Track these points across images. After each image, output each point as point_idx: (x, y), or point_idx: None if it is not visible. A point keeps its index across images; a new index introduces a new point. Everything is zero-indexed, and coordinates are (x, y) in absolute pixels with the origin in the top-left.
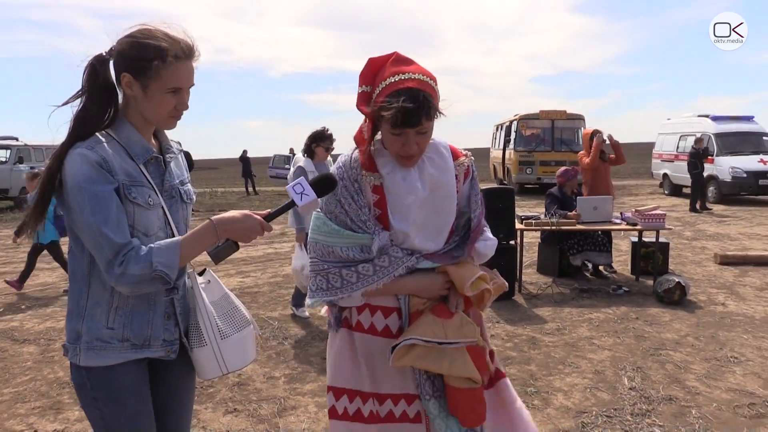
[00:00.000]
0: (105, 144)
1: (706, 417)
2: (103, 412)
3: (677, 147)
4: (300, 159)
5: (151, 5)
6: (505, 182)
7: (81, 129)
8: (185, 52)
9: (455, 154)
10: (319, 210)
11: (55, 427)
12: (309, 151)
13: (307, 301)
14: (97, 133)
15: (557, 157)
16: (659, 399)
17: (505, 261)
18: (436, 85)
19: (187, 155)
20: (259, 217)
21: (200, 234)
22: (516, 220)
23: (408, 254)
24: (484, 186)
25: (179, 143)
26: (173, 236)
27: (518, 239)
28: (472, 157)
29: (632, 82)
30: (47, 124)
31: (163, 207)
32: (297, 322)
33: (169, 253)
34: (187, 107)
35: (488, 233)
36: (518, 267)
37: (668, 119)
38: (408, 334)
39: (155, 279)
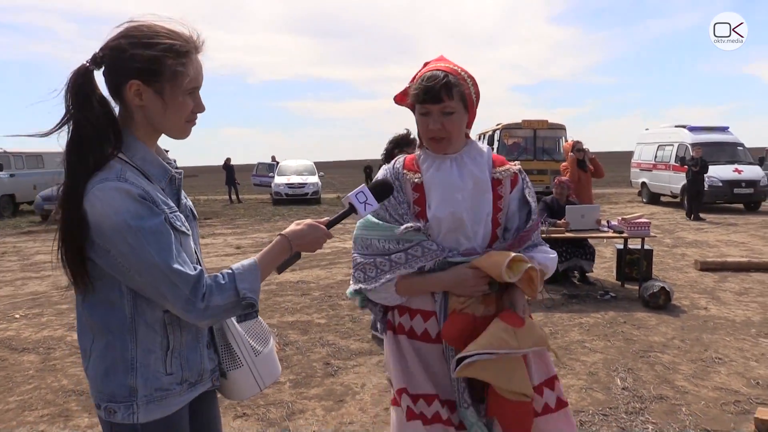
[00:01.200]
0: (128, 171)
1: (696, 414)
2: None
3: (655, 156)
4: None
5: (124, 9)
6: None
7: (85, 156)
8: (196, 47)
9: (500, 161)
10: None
11: None
12: (391, 157)
13: (347, 291)
14: (112, 161)
15: (539, 166)
16: (651, 398)
17: None
18: (469, 77)
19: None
20: (323, 226)
21: (276, 250)
22: None
23: (442, 249)
24: None
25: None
26: (199, 259)
27: None
28: (521, 168)
29: (609, 92)
30: (25, 139)
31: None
32: (296, 329)
33: (251, 277)
34: (203, 109)
35: (547, 248)
36: None
37: (646, 129)
38: (479, 347)
39: (239, 307)
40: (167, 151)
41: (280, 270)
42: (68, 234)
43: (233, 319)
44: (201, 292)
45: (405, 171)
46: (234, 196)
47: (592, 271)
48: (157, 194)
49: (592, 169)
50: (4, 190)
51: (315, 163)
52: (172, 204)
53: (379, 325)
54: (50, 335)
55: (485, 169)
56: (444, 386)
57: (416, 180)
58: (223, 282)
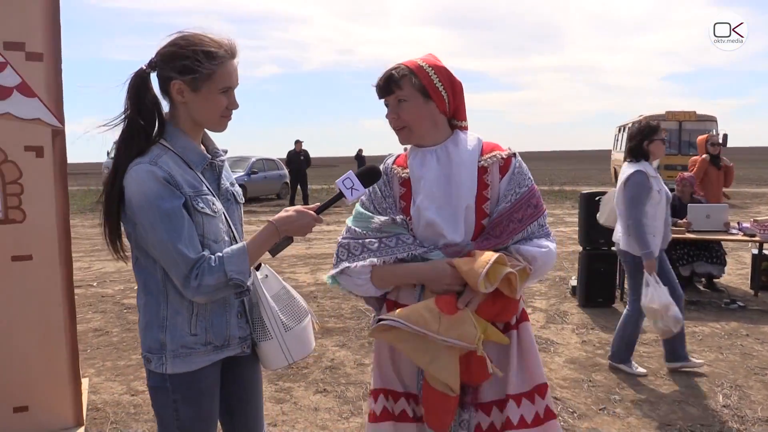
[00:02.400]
0: (165, 156)
1: None
2: (180, 413)
3: None
4: (626, 166)
5: (274, 7)
6: None
7: (133, 144)
8: (230, 52)
9: (490, 148)
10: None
11: None
12: (640, 151)
13: (325, 277)
14: (154, 146)
15: (684, 161)
16: (754, 420)
17: (605, 267)
18: (432, 67)
19: (305, 153)
20: (311, 212)
21: (264, 236)
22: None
23: (419, 244)
24: (600, 189)
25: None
26: (235, 239)
27: None
28: (515, 153)
29: None
30: (93, 143)
31: (224, 212)
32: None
33: (239, 260)
34: (237, 106)
35: (547, 241)
36: (619, 275)
37: None
38: (398, 315)
39: (230, 286)
40: (220, 150)
41: (274, 253)
42: (108, 205)
43: (268, 295)
44: (195, 272)
45: (394, 166)
46: None
47: (720, 277)
48: (188, 178)
49: (727, 166)
50: None
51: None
52: (205, 188)
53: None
54: None
55: (470, 159)
56: (415, 382)
57: (403, 175)
58: (213, 265)
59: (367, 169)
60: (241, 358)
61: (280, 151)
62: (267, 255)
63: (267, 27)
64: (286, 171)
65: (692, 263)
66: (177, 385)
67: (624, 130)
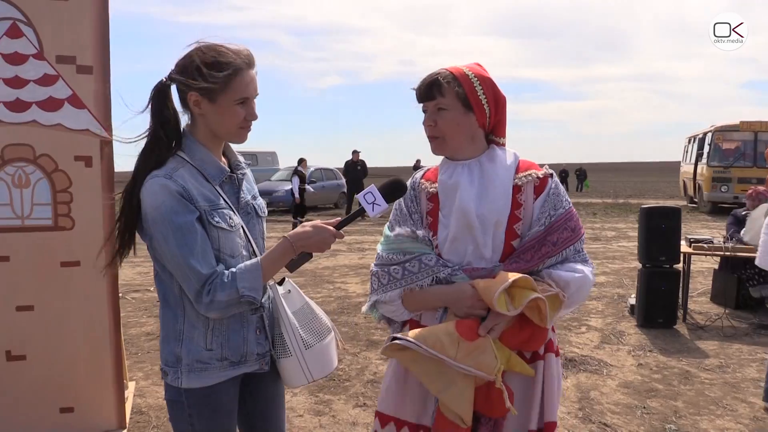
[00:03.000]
0: (181, 170)
1: None
2: (195, 428)
3: None
4: None
5: (340, 20)
6: (695, 200)
7: (152, 156)
8: (247, 62)
9: (526, 166)
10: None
11: None
12: None
13: (363, 308)
14: (171, 159)
15: (760, 174)
16: None
17: (667, 286)
18: (477, 77)
19: (362, 163)
20: (330, 227)
21: (279, 253)
22: (683, 242)
23: (442, 265)
24: (665, 203)
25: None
26: (254, 253)
27: (685, 264)
28: (552, 174)
29: None
30: (125, 152)
31: (242, 226)
32: None
33: (252, 277)
34: (256, 117)
35: (582, 266)
36: (682, 294)
37: None
38: (414, 336)
39: (242, 303)
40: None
41: (291, 269)
42: (124, 215)
43: (288, 311)
44: (207, 288)
45: (422, 181)
46: None
47: None
48: (205, 192)
49: None
50: None
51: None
52: (222, 201)
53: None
54: None
55: (505, 175)
56: (426, 410)
57: (431, 190)
58: (226, 281)
59: (389, 184)
60: (262, 374)
61: (339, 161)
62: (308, 264)
63: (331, 39)
64: (343, 180)
65: (764, 284)
66: (192, 399)
67: (694, 141)
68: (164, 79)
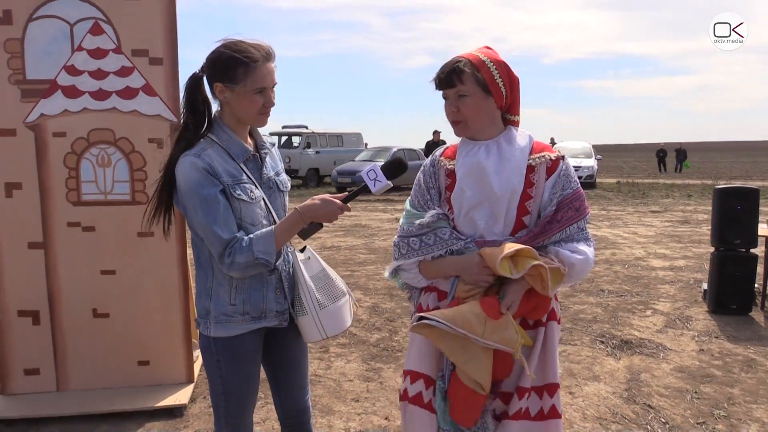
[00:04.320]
0: (209, 150)
1: None
2: (222, 372)
3: None
4: None
5: (431, 2)
6: None
7: (182, 139)
8: (264, 56)
9: (540, 148)
10: None
11: None
12: None
13: (384, 274)
14: (202, 140)
15: None
16: None
17: (742, 271)
18: (493, 62)
19: (443, 143)
20: (337, 200)
21: (290, 222)
22: (764, 225)
23: (456, 238)
24: (745, 184)
25: (272, 139)
26: (274, 223)
27: (767, 248)
28: (564, 156)
29: None
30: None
31: (264, 199)
32: None
33: (266, 242)
34: (273, 104)
35: (584, 247)
36: (764, 279)
37: None
38: (443, 317)
39: (258, 264)
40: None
41: (303, 237)
42: (162, 189)
43: (306, 275)
44: (228, 251)
45: (441, 158)
46: None
47: None
48: (229, 168)
49: None
50: (311, 164)
51: (608, 145)
52: (245, 177)
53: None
54: None
55: (520, 155)
56: (434, 364)
57: (449, 166)
58: (244, 245)
59: (390, 162)
60: (284, 330)
61: (422, 142)
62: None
63: (421, 18)
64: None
65: None
66: (219, 347)
67: None
68: (197, 72)
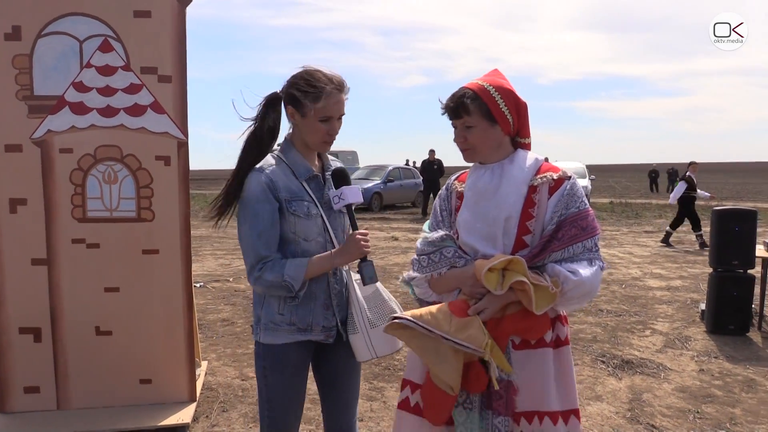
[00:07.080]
0: (275, 166)
1: None
2: (268, 379)
3: None
4: None
5: (425, 18)
6: None
7: (252, 151)
8: (336, 88)
9: (546, 169)
10: None
11: None
12: None
13: (399, 281)
14: (270, 156)
15: None
16: None
17: (739, 291)
18: (499, 91)
19: (438, 162)
20: (354, 233)
21: (323, 260)
22: (761, 247)
23: (459, 256)
24: (745, 206)
25: (339, 162)
26: (331, 241)
27: (763, 269)
28: (570, 176)
29: None
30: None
31: (322, 216)
32: None
33: (297, 269)
34: (336, 133)
35: (584, 268)
36: (761, 300)
37: None
38: (411, 315)
39: (282, 287)
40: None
41: (365, 282)
42: (228, 193)
43: (359, 294)
44: (260, 266)
45: (455, 182)
46: None
47: None
48: (291, 185)
49: None
50: None
51: (600, 165)
52: (306, 194)
53: None
54: None
55: (520, 175)
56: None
57: (460, 189)
58: (276, 265)
59: (333, 174)
60: (335, 347)
61: (419, 159)
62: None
63: (416, 39)
64: (421, 179)
65: None
66: (266, 353)
67: None
68: (279, 92)
